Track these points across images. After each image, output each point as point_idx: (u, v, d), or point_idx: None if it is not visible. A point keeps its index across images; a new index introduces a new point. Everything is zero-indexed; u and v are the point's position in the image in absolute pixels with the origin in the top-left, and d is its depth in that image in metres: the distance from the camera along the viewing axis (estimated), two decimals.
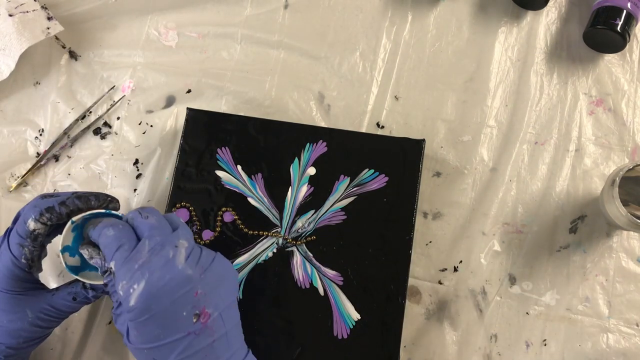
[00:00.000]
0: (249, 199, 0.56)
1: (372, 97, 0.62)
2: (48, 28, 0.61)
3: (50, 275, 0.58)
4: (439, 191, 0.59)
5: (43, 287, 0.48)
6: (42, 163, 0.61)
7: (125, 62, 0.64)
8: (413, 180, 0.56)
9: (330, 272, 0.54)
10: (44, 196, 0.47)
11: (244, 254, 0.55)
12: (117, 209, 0.49)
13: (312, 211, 0.56)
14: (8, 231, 0.47)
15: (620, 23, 0.58)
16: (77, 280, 0.48)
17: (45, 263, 0.57)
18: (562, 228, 0.58)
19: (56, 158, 0.61)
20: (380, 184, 0.56)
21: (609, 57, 0.62)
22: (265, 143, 0.57)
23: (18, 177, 0.60)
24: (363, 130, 0.61)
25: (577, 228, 0.58)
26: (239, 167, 0.57)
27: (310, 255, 0.55)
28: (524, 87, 0.62)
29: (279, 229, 0.56)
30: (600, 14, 0.59)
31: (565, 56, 0.62)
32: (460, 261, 0.58)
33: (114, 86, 0.63)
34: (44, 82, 0.63)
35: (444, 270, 0.58)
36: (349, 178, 0.56)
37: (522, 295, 0.57)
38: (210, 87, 0.63)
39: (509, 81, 0.62)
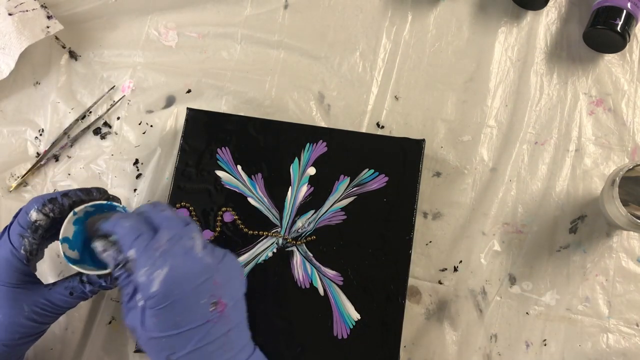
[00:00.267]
0: (249, 199, 0.56)
1: (372, 97, 0.62)
2: (48, 27, 0.61)
3: (50, 275, 0.58)
4: (439, 191, 0.59)
5: (40, 282, 0.48)
6: (42, 163, 0.61)
7: (125, 62, 0.64)
8: (413, 180, 0.56)
9: (330, 272, 0.54)
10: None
11: (244, 254, 0.55)
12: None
13: (312, 211, 0.56)
14: (8, 226, 0.47)
15: (620, 23, 0.58)
16: (74, 275, 0.48)
17: (45, 263, 0.58)
18: (562, 228, 0.58)
19: (56, 158, 0.61)
20: (380, 184, 0.56)
21: (609, 57, 0.62)
22: (265, 143, 0.57)
23: (18, 177, 0.60)
24: (363, 130, 0.61)
25: (577, 228, 0.58)
26: (239, 167, 0.57)
27: (310, 255, 0.55)
28: (524, 87, 0.62)
29: (279, 229, 0.56)
30: (600, 14, 0.59)
31: (565, 56, 0.62)
32: (460, 261, 0.58)
33: (114, 86, 0.63)
34: (44, 82, 0.63)
35: (444, 270, 0.58)
36: (349, 178, 0.56)
37: (522, 295, 0.57)
38: (210, 87, 0.63)
39: (509, 81, 0.62)
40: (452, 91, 0.62)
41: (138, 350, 0.53)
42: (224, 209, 0.56)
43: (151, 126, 0.62)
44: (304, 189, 0.56)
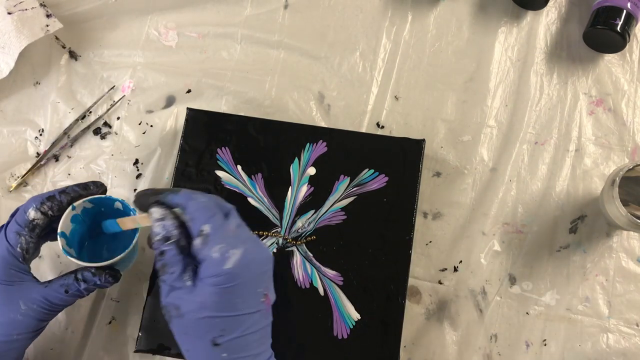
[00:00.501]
0: (249, 199, 0.56)
1: (372, 97, 0.62)
2: (47, 25, 0.61)
3: (50, 275, 0.58)
4: (439, 191, 0.59)
5: (36, 280, 0.48)
6: (42, 163, 0.61)
7: (125, 62, 0.64)
8: (413, 180, 0.56)
9: (330, 272, 0.54)
10: None
11: None
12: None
13: (312, 211, 0.56)
14: (5, 224, 0.47)
15: (620, 23, 0.58)
16: (69, 273, 0.48)
17: (45, 263, 0.58)
18: (562, 228, 0.58)
19: (56, 158, 0.61)
20: (380, 184, 0.56)
21: (609, 57, 0.62)
22: (265, 143, 0.57)
23: (18, 177, 0.60)
24: (363, 130, 0.61)
25: (577, 228, 0.58)
26: (239, 167, 0.57)
27: (310, 255, 0.55)
28: (524, 87, 0.62)
29: (279, 229, 0.56)
30: (600, 14, 0.59)
31: (565, 56, 0.62)
32: (460, 261, 0.58)
33: (114, 86, 0.63)
34: (44, 82, 0.63)
35: (444, 270, 0.58)
36: (349, 178, 0.56)
37: (522, 295, 0.57)
38: (210, 87, 0.63)
39: (509, 81, 0.62)
40: (452, 91, 0.62)
41: (138, 350, 0.53)
42: None
43: (151, 126, 0.62)
44: (304, 189, 0.56)
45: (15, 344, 0.46)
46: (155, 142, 0.61)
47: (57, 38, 0.64)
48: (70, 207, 0.47)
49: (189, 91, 0.63)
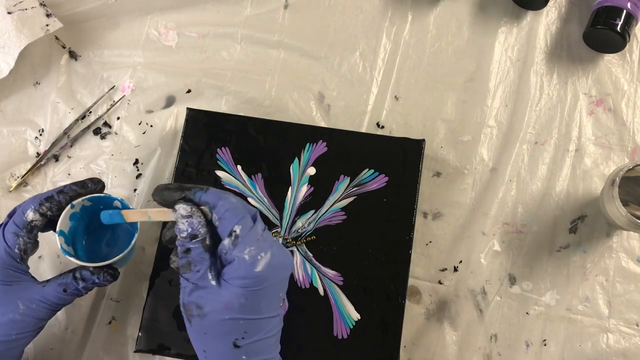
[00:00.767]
0: (249, 199, 0.56)
1: (372, 97, 0.62)
2: (47, 25, 0.61)
3: (50, 275, 0.58)
4: (439, 191, 0.59)
5: (34, 279, 0.48)
6: (42, 163, 0.61)
7: (125, 62, 0.64)
8: (413, 180, 0.56)
9: (330, 272, 0.54)
10: None
11: None
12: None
13: (312, 211, 0.56)
14: (3, 225, 0.47)
15: (620, 23, 0.58)
16: (67, 272, 0.48)
17: (45, 263, 0.58)
18: (562, 228, 0.58)
19: (56, 158, 0.61)
20: (380, 184, 0.56)
21: (609, 57, 0.62)
22: (265, 143, 0.57)
23: (18, 177, 0.60)
24: (363, 130, 0.61)
25: (577, 228, 0.58)
26: (239, 167, 0.57)
27: (310, 255, 0.55)
28: (524, 87, 0.62)
29: (279, 229, 0.56)
30: (600, 14, 0.59)
31: (565, 56, 0.62)
32: (460, 261, 0.58)
33: (114, 86, 0.63)
34: (44, 82, 0.63)
35: (444, 270, 0.58)
36: (349, 178, 0.56)
37: (522, 295, 0.57)
38: (210, 87, 0.63)
39: (509, 81, 0.62)
40: (452, 91, 0.62)
41: (138, 350, 0.53)
42: None
43: (151, 126, 0.62)
44: (304, 189, 0.56)
45: (14, 344, 0.46)
46: (155, 142, 0.61)
47: (57, 38, 0.64)
48: (69, 206, 0.47)
49: (189, 91, 0.63)
